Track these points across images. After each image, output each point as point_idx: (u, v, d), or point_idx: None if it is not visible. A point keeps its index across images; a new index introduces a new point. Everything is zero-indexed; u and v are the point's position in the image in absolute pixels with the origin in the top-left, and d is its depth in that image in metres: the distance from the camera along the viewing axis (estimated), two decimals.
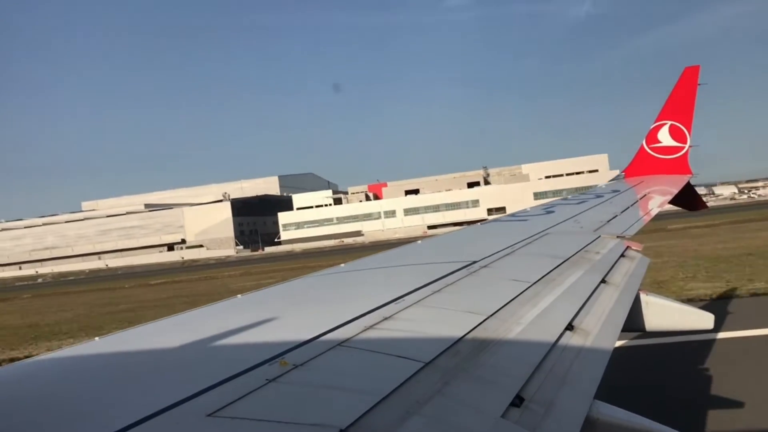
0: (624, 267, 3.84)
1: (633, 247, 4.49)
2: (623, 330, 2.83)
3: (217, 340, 2.27)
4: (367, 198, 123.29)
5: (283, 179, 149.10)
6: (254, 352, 2.02)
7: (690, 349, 10.36)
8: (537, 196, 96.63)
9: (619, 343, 10.27)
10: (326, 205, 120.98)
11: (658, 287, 16.31)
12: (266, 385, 1.74)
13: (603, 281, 3.37)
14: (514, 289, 2.90)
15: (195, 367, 2.05)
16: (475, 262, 3.52)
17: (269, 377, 1.79)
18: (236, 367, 1.87)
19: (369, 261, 4.23)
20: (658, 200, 7.77)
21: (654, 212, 6.82)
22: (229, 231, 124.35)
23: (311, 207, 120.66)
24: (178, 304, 25.66)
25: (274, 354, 1.98)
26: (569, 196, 8.18)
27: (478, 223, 6.61)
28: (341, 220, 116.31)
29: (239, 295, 3.25)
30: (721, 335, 11.02)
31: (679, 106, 10.11)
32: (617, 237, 4.90)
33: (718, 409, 7.86)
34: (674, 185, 8.90)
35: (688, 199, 9.36)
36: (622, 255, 4.16)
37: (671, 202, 8.44)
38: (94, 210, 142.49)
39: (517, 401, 1.82)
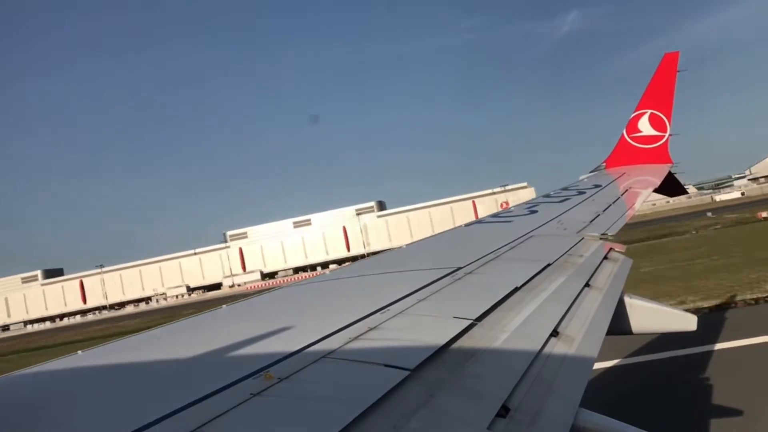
0: (607, 270, 3.86)
1: (616, 249, 4.51)
2: (610, 333, 2.84)
3: (200, 353, 2.25)
4: None
5: None
6: (238, 366, 1.99)
7: None
8: None
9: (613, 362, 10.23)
10: None
11: None
12: (250, 399, 1.72)
13: (587, 285, 3.38)
14: (499, 295, 2.90)
15: (177, 382, 2.02)
16: (459, 269, 3.51)
17: (254, 391, 1.77)
18: (220, 381, 1.84)
19: (353, 269, 4.22)
20: (641, 194, 7.78)
21: (637, 206, 6.85)
22: None
23: None
24: None
25: (259, 367, 1.96)
26: (552, 192, 8.16)
27: (462, 225, 6.56)
28: None
29: (224, 306, 3.22)
30: None
31: (659, 95, 10.05)
32: (600, 237, 4.93)
33: None
34: (656, 176, 8.90)
35: (668, 186, 9.39)
36: (605, 257, 4.18)
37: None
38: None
39: (503, 411, 1.82)
